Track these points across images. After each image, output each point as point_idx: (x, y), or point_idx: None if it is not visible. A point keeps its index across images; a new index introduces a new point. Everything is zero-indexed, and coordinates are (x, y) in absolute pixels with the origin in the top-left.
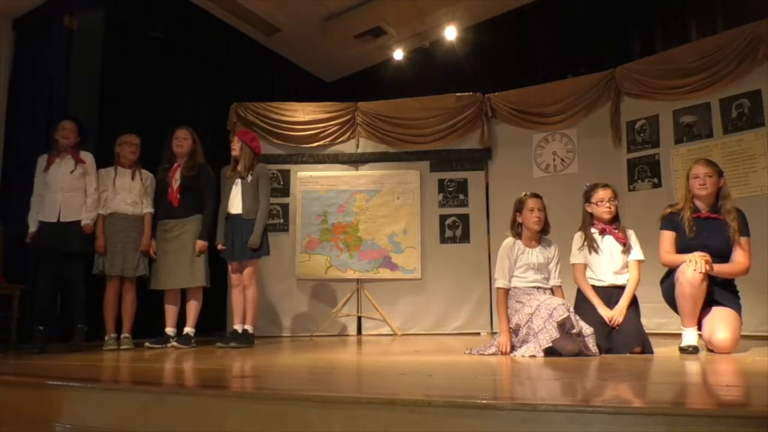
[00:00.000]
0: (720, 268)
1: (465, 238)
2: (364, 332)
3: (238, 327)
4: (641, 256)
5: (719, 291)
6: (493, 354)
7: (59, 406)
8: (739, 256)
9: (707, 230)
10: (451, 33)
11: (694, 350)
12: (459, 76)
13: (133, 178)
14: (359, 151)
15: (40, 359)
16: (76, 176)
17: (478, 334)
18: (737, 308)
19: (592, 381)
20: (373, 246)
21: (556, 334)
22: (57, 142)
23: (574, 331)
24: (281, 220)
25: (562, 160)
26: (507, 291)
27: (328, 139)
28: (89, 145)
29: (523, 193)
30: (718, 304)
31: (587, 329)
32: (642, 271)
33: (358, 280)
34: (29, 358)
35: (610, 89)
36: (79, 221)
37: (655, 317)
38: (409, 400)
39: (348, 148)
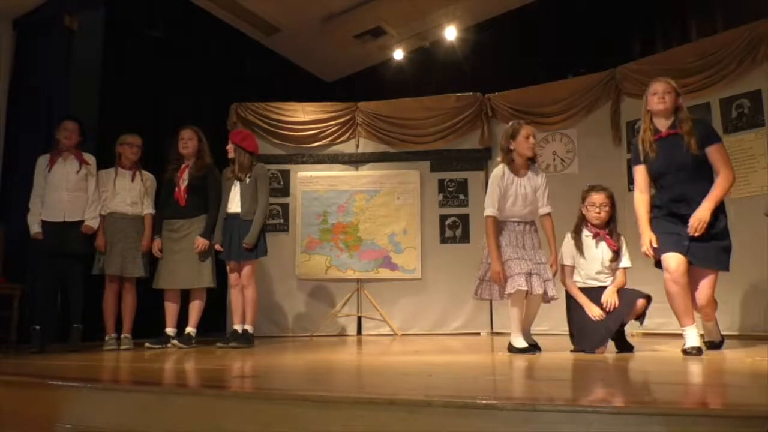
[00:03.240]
0: (711, 202)
1: (465, 238)
2: (364, 332)
3: (237, 327)
4: (629, 264)
5: (705, 248)
6: (484, 279)
7: (59, 406)
8: (719, 168)
9: (671, 148)
10: (451, 33)
11: (697, 352)
12: (459, 76)
13: (133, 179)
14: (359, 151)
15: (40, 359)
16: (81, 177)
17: (478, 334)
18: (723, 258)
19: (593, 381)
20: (373, 246)
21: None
22: (58, 142)
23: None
24: (281, 220)
25: (562, 160)
26: (496, 219)
27: (328, 139)
28: (89, 145)
29: (516, 121)
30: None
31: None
32: (639, 272)
33: (358, 280)
34: (28, 358)
35: (610, 89)
36: (82, 221)
37: (655, 317)
38: (409, 400)
39: (348, 148)
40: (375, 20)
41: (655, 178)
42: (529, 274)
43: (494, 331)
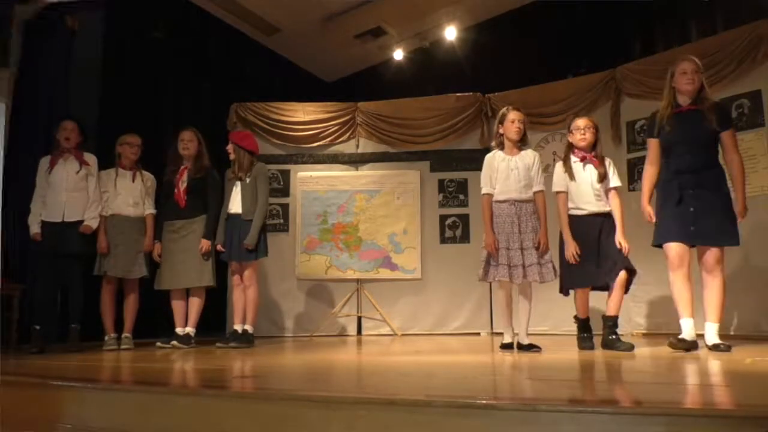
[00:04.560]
0: (742, 192)
1: (465, 238)
2: (364, 332)
3: (238, 327)
4: (618, 183)
5: (711, 221)
6: (487, 260)
7: (59, 406)
8: (731, 152)
9: (688, 121)
10: (451, 33)
11: (682, 341)
12: (459, 76)
13: (133, 179)
14: (359, 151)
15: (40, 359)
16: (81, 177)
17: (478, 334)
18: (732, 232)
19: (592, 381)
20: (374, 246)
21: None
22: (58, 142)
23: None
24: (281, 220)
25: None
26: (491, 196)
27: (328, 139)
28: (89, 145)
29: (507, 107)
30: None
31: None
32: (640, 270)
33: (358, 280)
34: (28, 358)
35: (610, 89)
36: (81, 222)
37: (655, 317)
38: (409, 400)
39: (348, 148)
40: (375, 20)
41: (667, 147)
42: (513, 267)
43: (494, 331)
